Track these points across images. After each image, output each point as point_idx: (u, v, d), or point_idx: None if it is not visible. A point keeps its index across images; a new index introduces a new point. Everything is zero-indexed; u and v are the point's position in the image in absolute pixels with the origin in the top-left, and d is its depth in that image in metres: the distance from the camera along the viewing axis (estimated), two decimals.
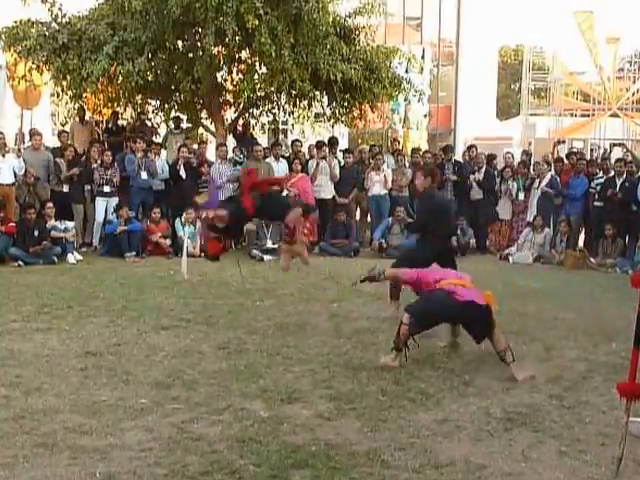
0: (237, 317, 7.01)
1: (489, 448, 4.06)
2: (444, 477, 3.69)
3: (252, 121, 13.84)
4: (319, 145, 12.67)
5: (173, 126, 13.54)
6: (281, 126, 14.58)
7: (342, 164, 12.62)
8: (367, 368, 5.44)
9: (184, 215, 11.05)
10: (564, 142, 20.04)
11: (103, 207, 11.31)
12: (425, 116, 19.23)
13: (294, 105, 13.35)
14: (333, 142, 13.04)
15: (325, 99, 13.07)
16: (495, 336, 5.33)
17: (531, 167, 13.09)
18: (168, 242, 10.96)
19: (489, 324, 5.34)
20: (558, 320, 7.30)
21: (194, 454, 3.86)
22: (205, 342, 6.10)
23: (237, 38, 11.53)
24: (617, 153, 13.63)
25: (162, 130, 14.06)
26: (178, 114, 13.47)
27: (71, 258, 10.20)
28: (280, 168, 12.09)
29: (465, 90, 28.78)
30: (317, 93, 12.78)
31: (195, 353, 5.77)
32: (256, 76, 12.05)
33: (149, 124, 13.69)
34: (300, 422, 4.35)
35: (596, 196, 11.84)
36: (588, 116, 26.55)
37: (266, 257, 10.90)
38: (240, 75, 12.66)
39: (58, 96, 12.72)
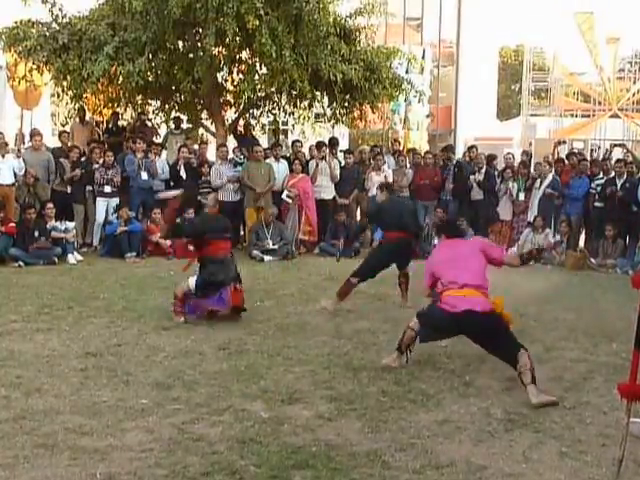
0: (237, 318, 7.01)
1: (490, 449, 4.06)
2: (445, 478, 3.69)
3: (252, 121, 13.83)
4: (319, 145, 12.66)
5: (173, 126, 13.54)
6: (281, 126, 14.57)
7: (342, 164, 12.62)
8: (368, 369, 5.45)
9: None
10: (564, 143, 20.02)
11: (104, 207, 11.31)
12: (427, 116, 19.21)
13: (294, 105, 13.35)
14: (333, 143, 13.04)
15: (325, 99, 13.06)
16: (519, 352, 4.91)
17: (531, 167, 13.09)
18: (168, 243, 10.96)
19: (497, 331, 5.07)
20: (558, 321, 7.30)
21: (195, 455, 3.85)
22: (206, 343, 6.10)
23: (237, 38, 11.53)
24: (617, 154, 13.60)
25: (162, 130, 14.06)
26: (178, 114, 13.47)
27: (71, 259, 10.20)
28: (280, 169, 12.09)
29: (465, 91, 28.83)
30: (317, 93, 12.77)
31: (196, 354, 5.77)
32: (256, 76, 12.04)
33: (149, 124, 13.69)
34: (301, 423, 4.35)
35: (597, 197, 11.82)
36: (588, 117, 26.57)
37: (266, 258, 10.89)
38: (240, 75, 12.65)
39: (58, 96, 12.70)
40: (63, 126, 13.56)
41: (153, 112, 13.77)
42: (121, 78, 11.62)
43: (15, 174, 10.76)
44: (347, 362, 5.63)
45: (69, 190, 11.31)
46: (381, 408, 4.64)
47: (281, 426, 4.28)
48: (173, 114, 13.50)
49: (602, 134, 25.87)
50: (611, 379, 5.16)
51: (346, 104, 13.03)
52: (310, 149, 13.01)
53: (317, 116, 14.07)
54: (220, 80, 12.93)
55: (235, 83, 12.84)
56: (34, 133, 11.63)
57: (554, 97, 27.22)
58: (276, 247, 11.14)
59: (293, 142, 13.48)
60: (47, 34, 11.60)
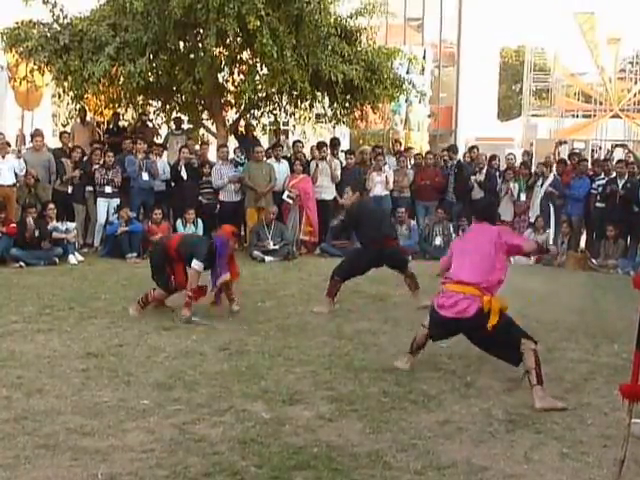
0: (238, 318, 7.01)
1: (491, 450, 4.06)
2: (446, 479, 3.69)
3: (253, 122, 13.83)
4: (320, 146, 12.66)
5: (174, 127, 13.54)
6: (282, 127, 14.57)
7: (343, 165, 12.62)
8: (369, 369, 5.45)
9: (185, 215, 11.07)
10: (565, 143, 20.02)
11: (104, 208, 11.31)
12: (429, 116, 19.22)
13: (295, 106, 13.34)
14: (335, 143, 13.04)
15: (326, 100, 13.06)
16: (525, 353, 4.86)
17: (532, 167, 13.08)
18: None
19: (485, 330, 4.94)
20: (559, 321, 7.29)
21: (196, 455, 3.86)
22: (206, 343, 6.10)
23: (238, 39, 11.54)
24: (619, 154, 13.59)
25: (163, 131, 14.07)
26: (179, 115, 13.47)
27: (72, 259, 10.20)
28: (281, 169, 12.09)
29: (466, 91, 28.84)
30: (318, 94, 12.77)
31: (196, 354, 5.77)
32: (257, 77, 12.05)
33: (150, 125, 13.69)
34: (302, 423, 4.34)
35: (598, 197, 11.82)
36: (589, 117, 26.59)
37: (267, 258, 10.89)
38: (241, 76, 12.65)
39: (59, 97, 12.72)
40: (64, 127, 13.56)
41: (154, 113, 13.77)
42: (122, 79, 11.63)
43: (16, 175, 10.75)
44: (348, 363, 5.63)
45: (70, 191, 11.31)
46: (382, 409, 4.63)
47: (282, 427, 4.28)
48: (174, 114, 13.50)
49: (603, 134, 25.88)
50: (612, 380, 5.16)
51: (347, 104, 13.03)
52: (311, 149, 13.02)
53: (318, 116, 14.07)
54: (221, 80, 12.93)
55: (236, 83, 12.84)
56: (35, 134, 11.62)
57: (555, 97, 27.24)
58: (277, 247, 11.14)
59: (294, 142, 13.48)
60: (48, 35, 11.60)
